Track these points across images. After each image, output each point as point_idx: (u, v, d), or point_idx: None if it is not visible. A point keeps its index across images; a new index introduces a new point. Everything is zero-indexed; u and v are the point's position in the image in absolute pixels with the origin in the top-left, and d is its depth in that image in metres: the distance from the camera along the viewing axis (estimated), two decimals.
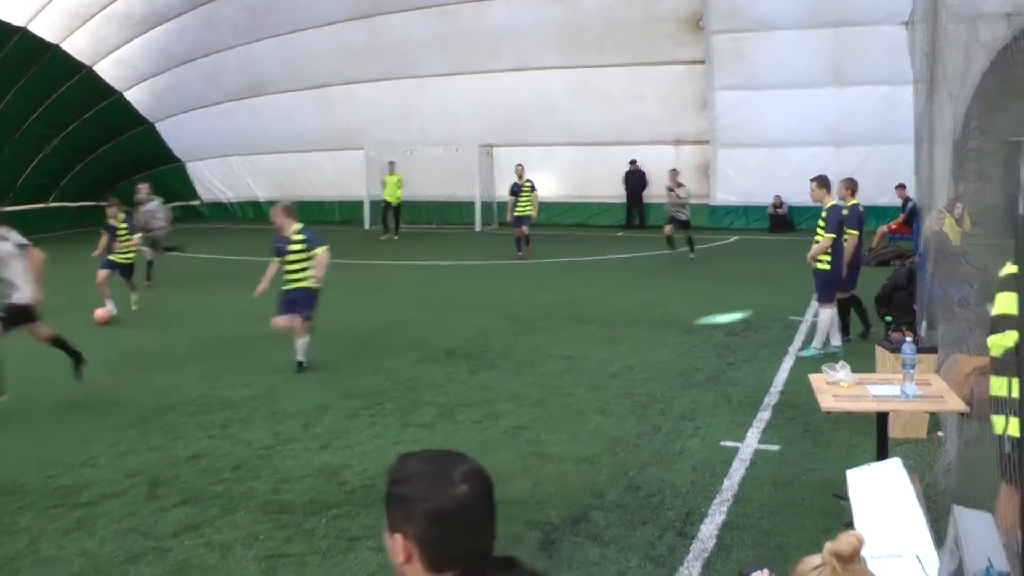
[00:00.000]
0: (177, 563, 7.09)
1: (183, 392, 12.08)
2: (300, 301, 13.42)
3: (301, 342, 13.40)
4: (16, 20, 29.62)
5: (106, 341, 15.34)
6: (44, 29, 30.80)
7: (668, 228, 23.77)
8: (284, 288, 13.54)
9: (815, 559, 2.60)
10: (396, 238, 31.29)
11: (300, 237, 13.46)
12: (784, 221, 31.43)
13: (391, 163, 32.65)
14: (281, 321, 13.38)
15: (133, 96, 35.75)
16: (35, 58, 31.53)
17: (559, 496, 8.26)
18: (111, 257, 18.31)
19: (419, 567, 2.37)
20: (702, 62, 30.66)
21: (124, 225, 18.51)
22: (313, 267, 13.39)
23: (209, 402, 11.58)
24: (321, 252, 13.41)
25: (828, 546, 2.58)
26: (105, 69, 34.05)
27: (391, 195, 31.74)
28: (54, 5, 29.93)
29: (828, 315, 13.41)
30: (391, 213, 31.94)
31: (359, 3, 32.22)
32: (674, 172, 24.59)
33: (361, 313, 17.41)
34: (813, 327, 15.00)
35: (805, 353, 13.36)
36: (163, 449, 9.89)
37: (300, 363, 13.31)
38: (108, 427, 10.69)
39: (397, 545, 2.38)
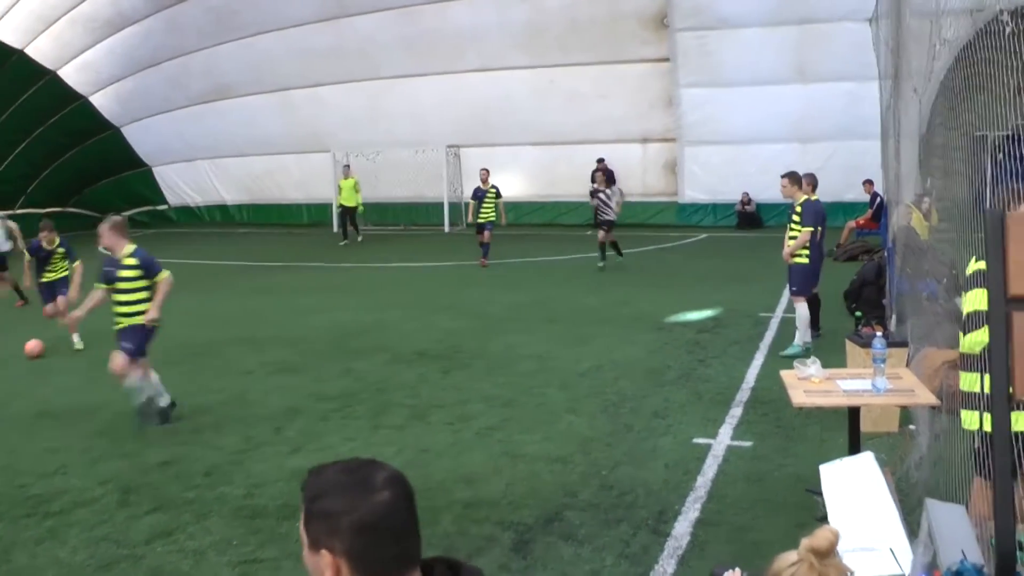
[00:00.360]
0: (150, 570, 7.05)
1: None
2: (129, 339, 10.81)
3: (145, 381, 10.85)
4: None
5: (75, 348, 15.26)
6: (8, 33, 30.61)
7: (601, 235, 22.90)
8: (117, 327, 10.91)
9: (791, 555, 2.61)
10: (360, 239, 31.13)
11: (133, 261, 10.81)
12: (752, 218, 31.56)
13: (346, 167, 32.58)
14: (117, 362, 10.77)
15: (98, 100, 35.58)
16: None
17: (532, 496, 8.25)
18: (44, 281, 16.47)
19: None
20: (667, 60, 30.74)
21: (62, 249, 16.43)
22: (153, 299, 10.82)
23: (180, 407, 11.49)
24: (163, 279, 10.85)
25: (804, 542, 2.59)
26: (69, 74, 33.87)
27: (348, 199, 31.43)
28: (18, 8, 29.74)
29: (806, 308, 13.48)
30: (349, 218, 31.72)
31: (323, 5, 32.13)
32: (601, 172, 23.97)
33: (330, 315, 17.36)
34: (784, 323, 15.11)
35: (790, 351, 13.32)
36: (134, 456, 9.82)
37: (162, 409, 10.91)
38: (79, 435, 10.62)
39: (324, 562, 2.30)
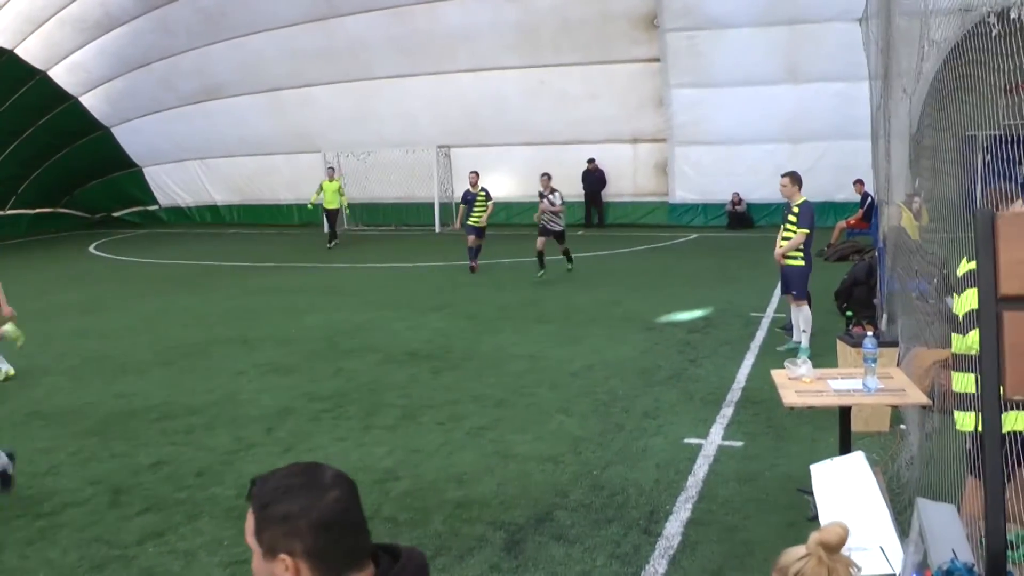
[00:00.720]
0: (141, 571, 7.04)
1: (144, 398, 12.01)
2: None
3: None
4: None
5: (66, 348, 15.24)
6: None
7: (540, 241, 21.49)
8: None
9: (799, 550, 2.62)
10: (330, 246, 30.08)
11: None
12: (743, 218, 31.60)
13: (330, 169, 32.18)
14: None
15: (88, 101, 35.53)
16: None
17: (523, 496, 8.26)
18: None
19: None
20: (657, 60, 30.74)
21: None
22: None
23: (171, 408, 11.51)
24: None
25: (814, 536, 2.61)
26: (59, 74, 33.82)
27: (331, 201, 30.57)
28: (7, 9, 29.69)
29: (808, 310, 13.38)
30: (331, 220, 30.95)
31: (314, 5, 32.07)
32: (546, 177, 22.23)
33: (322, 316, 17.35)
34: (775, 324, 15.15)
35: (803, 354, 13.14)
36: (126, 456, 9.81)
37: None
38: (69, 435, 10.61)
39: (283, 566, 2.37)
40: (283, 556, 2.36)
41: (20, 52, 31.89)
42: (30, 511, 8.34)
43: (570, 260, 22.04)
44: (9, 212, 36.46)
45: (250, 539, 2.45)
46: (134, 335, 16.25)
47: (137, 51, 33.58)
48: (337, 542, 2.38)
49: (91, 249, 31.79)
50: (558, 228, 21.52)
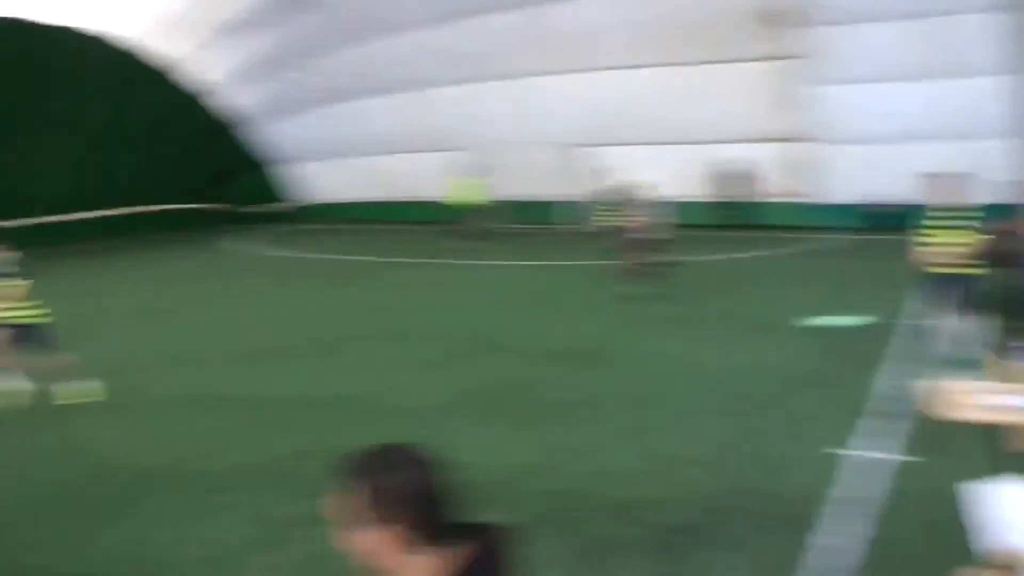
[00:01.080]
0: (300, 553, 7.26)
1: (290, 388, 12.36)
2: None
3: None
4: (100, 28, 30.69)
5: (218, 338, 15.62)
6: (140, 33, 31.87)
7: (630, 257, 19.38)
8: None
9: (971, 572, 2.66)
10: (474, 244, 29.89)
11: None
12: (890, 219, 30.98)
13: (473, 165, 32.05)
14: None
15: (234, 99, 36.35)
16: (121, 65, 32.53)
17: (672, 499, 8.29)
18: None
19: (415, 549, 2.49)
20: (795, 57, 30.14)
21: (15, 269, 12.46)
22: None
23: (321, 399, 11.82)
24: None
25: (987, 556, 2.64)
26: (201, 71, 34.63)
27: (471, 198, 30.58)
28: (148, 10, 30.69)
29: (980, 321, 12.59)
30: (479, 217, 30.59)
31: (457, 5, 32.10)
32: (623, 185, 20.76)
33: (469, 312, 17.61)
34: (929, 332, 14.88)
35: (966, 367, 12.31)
36: (282, 441, 10.16)
37: None
38: (231, 420, 11.02)
39: (388, 538, 2.47)
40: (390, 526, 2.47)
41: (159, 50, 32.81)
42: (195, 486, 8.69)
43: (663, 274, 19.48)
44: (155, 208, 37.38)
45: (348, 515, 2.53)
46: (293, 326, 16.62)
47: (282, 51, 34.20)
48: (438, 510, 2.51)
49: (235, 243, 32.55)
50: (651, 236, 19.37)
